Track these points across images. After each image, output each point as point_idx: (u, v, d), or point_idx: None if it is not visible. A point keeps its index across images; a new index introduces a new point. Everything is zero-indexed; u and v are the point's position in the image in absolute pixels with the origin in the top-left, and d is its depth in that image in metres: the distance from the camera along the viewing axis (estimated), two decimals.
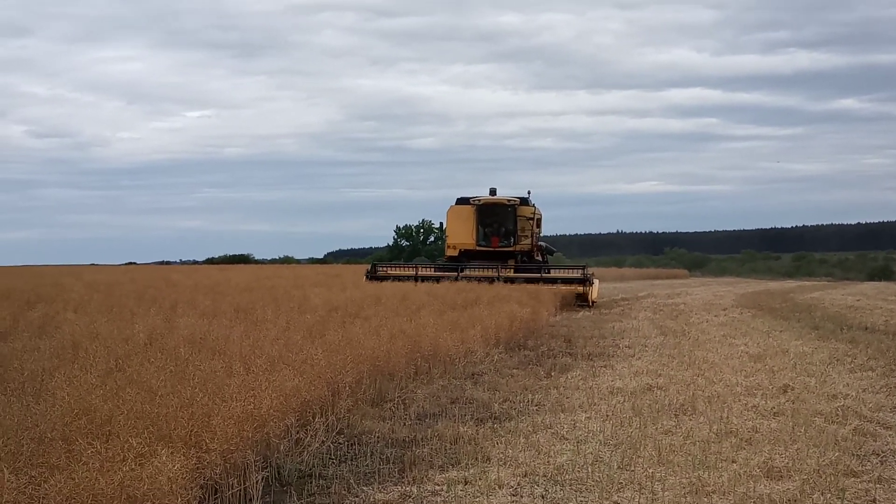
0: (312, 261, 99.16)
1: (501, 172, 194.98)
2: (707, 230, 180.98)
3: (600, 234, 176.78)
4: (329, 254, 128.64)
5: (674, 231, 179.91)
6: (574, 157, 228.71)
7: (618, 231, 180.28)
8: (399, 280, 28.26)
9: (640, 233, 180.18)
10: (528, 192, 31.58)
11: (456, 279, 27.65)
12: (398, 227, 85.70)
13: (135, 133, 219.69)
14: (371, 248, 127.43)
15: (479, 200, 30.99)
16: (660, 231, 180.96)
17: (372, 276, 29.46)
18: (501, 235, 31.11)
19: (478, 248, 31.07)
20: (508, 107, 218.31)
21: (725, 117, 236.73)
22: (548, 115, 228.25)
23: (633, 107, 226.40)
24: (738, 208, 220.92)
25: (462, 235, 31.15)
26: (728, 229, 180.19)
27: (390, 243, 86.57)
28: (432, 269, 30.89)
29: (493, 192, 31.52)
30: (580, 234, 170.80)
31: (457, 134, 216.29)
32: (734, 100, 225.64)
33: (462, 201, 31.50)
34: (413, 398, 10.63)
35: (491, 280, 27.38)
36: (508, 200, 30.94)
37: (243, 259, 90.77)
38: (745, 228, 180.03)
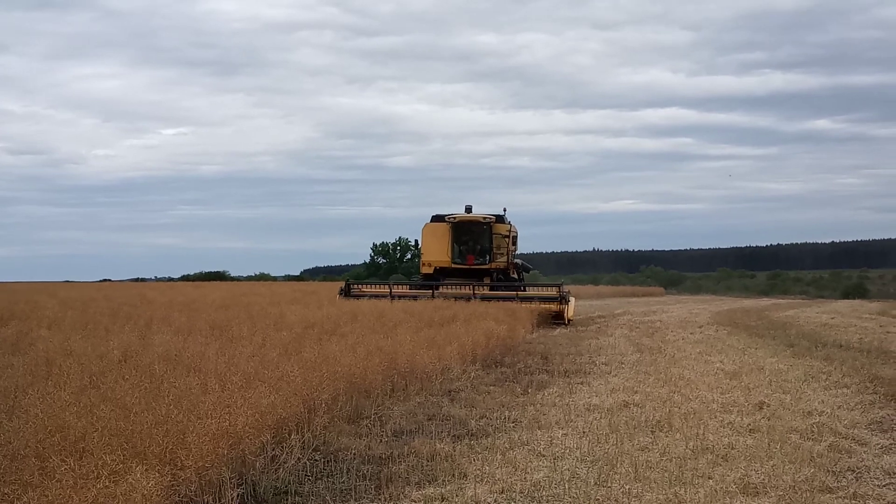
0: (288, 278, 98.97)
1: (478, 191, 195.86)
2: (682, 248, 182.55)
3: (577, 251, 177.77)
4: (305, 271, 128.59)
5: (650, 249, 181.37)
6: (551, 175, 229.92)
7: (594, 249, 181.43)
8: (374, 298, 28.10)
9: (617, 251, 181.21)
10: (504, 210, 31.43)
11: (431, 297, 27.49)
12: (375, 245, 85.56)
13: (111, 150, 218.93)
14: (348, 265, 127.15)
15: (454, 218, 30.77)
16: (636, 249, 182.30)
17: (346, 293, 29.35)
18: (477, 253, 30.90)
19: (453, 265, 30.83)
20: (485, 126, 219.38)
21: (700, 137, 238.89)
22: (524, 134, 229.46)
23: (609, 126, 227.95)
24: (714, 227, 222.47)
25: (437, 253, 30.97)
26: (703, 248, 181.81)
27: (367, 261, 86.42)
28: (407, 287, 30.71)
29: (468, 209, 31.34)
30: (557, 252, 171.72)
31: (434, 152, 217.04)
32: (709, 120, 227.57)
33: (437, 219, 31.32)
34: (390, 415, 10.61)
35: (467, 298, 27.22)
36: (484, 218, 30.73)
37: (219, 276, 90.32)
38: (721, 247, 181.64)
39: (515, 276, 31.72)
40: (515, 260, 31.94)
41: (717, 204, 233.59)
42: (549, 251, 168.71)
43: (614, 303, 53.16)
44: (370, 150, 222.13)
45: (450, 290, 28.72)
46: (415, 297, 27.51)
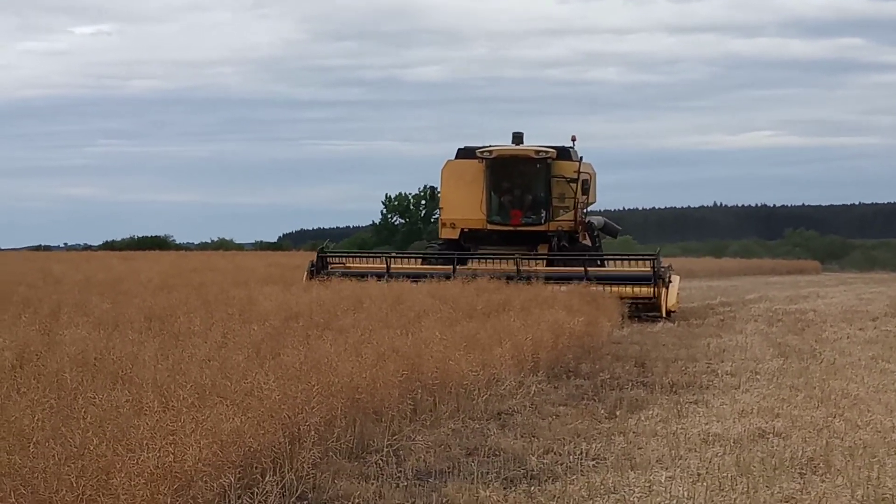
0: (261, 246, 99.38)
1: (540, 117, 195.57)
2: (847, 203, 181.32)
3: (689, 207, 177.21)
4: (286, 236, 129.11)
5: (798, 204, 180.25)
6: (649, 95, 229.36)
7: (715, 204, 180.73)
8: (361, 277, 27.09)
9: (749, 206, 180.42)
10: (573, 140, 30.84)
11: (451, 276, 26.39)
12: (388, 198, 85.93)
13: None
14: (349, 227, 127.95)
15: (490, 152, 30.05)
16: (777, 204, 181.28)
17: (318, 271, 28.74)
18: (527, 207, 30.37)
19: (489, 226, 30.33)
20: (551, 20, 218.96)
21: (875, 37, 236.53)
22: (609, 32, 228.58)
23: (736, 21, 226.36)
24: (895, 171, 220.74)
25: (464, 207, 30.35)
26: (879, 202, 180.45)
27: (377, 221, 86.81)
28: (415, 261, 30.32)
29: (517, 138, 30.77)
30: (659, 209, 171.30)
31: (474, 60, 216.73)
32: (888, 11, 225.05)
33: (466, 154, 30.69)
34: (411, 448, 10.65)
35: (510, 277, 26.37)
36: (537, 152, 30.07)
37: (158, 243, 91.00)
38: None
39: (588, 242, 30.96)
40: (589, 218, 31.10)
41: None
42: (648, 207, 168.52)
43: (745, 283, 52.99)
44: (380, 58, 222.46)
45: (482, 266, 27.99)
46: (424, 277, 26.68)
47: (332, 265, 29.42)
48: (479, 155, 30.14)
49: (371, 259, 30.67)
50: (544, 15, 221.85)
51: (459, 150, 31.03)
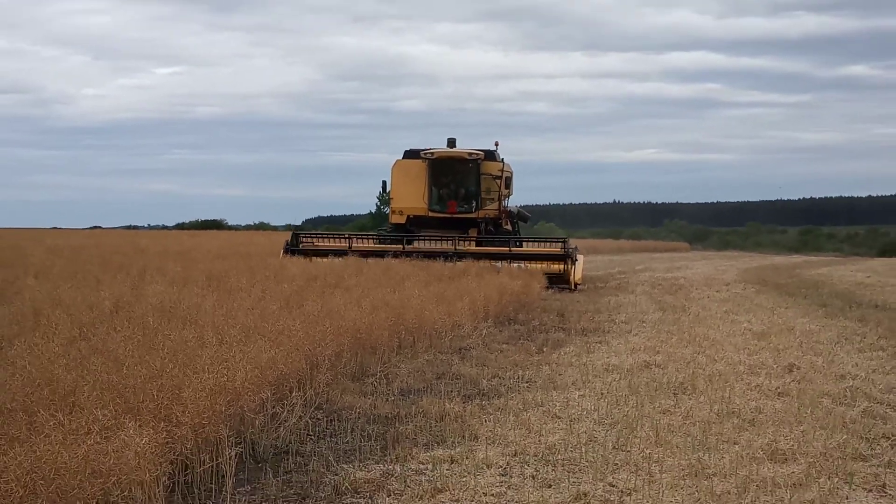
0: (290, 227, 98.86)
1: (493, 138, 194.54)
2: (709, 201, 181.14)
3: (596, 203, 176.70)
4: (307, 221, 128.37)
5: (674, 202, 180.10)
6: (569, 122, 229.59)
7: (615, 201, 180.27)
8: (324, 255, 24.67)
9: (639, 203, 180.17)
10: (496, 144, 28.66)
11: (403, 254, 24.36)
12: (381, 192, 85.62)
13: (101, 90, 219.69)
14: (352, 215, 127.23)
15: (431, 153, 27.60)
16: (659, 202, 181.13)
17: (292, 248, 25.83)
18: (460, 198, 28.05)
19: (430, 213, 27.88)
20: (499, 68, 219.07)
21: (729, 83, 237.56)
22: (541, 77, 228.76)
23: (631, 70, 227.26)
24: (743, 179, 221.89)
25: (410, 197, 27.93)
26: (731, 201, 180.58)
27: (373, 210, 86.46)
28: (371, 241, 27.21)
29: (451, 143, 28.34)
30: (575, 204, 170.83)
31: (445, 96, 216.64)
32: (738, 65, 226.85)
33: (411, 154, 28.32)
34: (396, 373, 10.66)
35: (447, 256, 24.26)
36: (469, 154, 27.56)
37: (216, 225, 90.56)
38: (750, 200, 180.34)
39: (508, 227, 28.84)
40: (509, 207, 28.87)
41: (746, 154, 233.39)
42: (567, 202, 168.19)
43: (635, 258, 53.12)
44: (376, 94, 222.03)
45: (425, 246, 25.65)
46: (380, 255, 24.28)
47: (304, 244, 26.66)
48: (422, 156, 27.95)
49: (335, 239, 27.62)
50: (493, 64, 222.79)
51: (406, 151, 28.72)
